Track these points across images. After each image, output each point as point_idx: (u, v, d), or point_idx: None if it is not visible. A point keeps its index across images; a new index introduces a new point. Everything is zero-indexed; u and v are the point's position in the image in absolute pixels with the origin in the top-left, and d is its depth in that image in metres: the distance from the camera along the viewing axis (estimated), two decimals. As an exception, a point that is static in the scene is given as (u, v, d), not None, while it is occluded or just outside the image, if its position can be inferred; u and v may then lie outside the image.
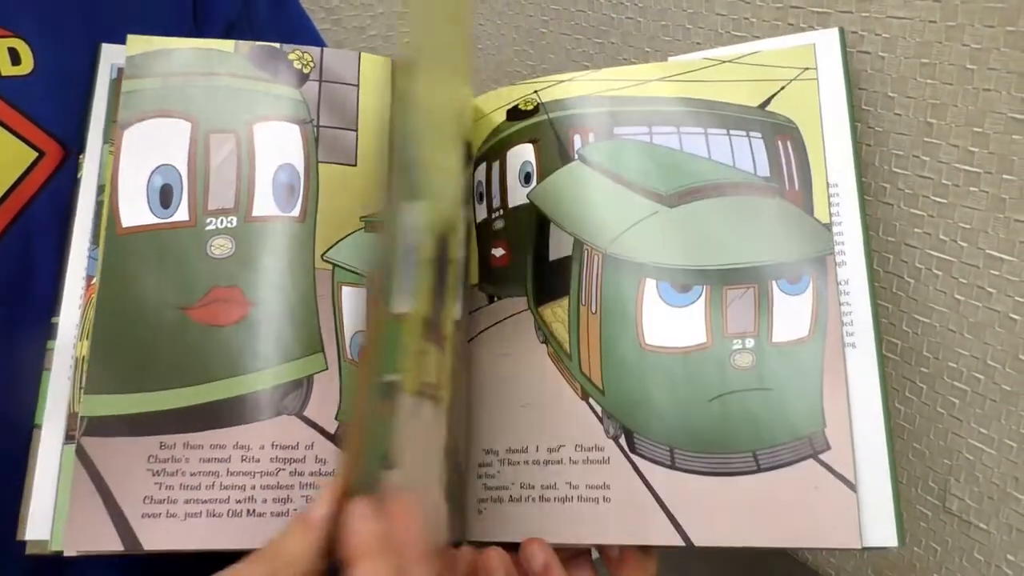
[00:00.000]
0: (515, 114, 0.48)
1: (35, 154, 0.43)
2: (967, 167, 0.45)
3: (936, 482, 0.52)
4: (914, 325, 0.50)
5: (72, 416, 0.41)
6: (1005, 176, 0.44)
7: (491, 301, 0.47)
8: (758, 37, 0.52)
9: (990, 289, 0.46)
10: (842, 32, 0.44)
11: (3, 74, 0.42)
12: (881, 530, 0.39)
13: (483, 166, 0.49)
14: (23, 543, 0.40)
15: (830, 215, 0.43)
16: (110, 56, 0.46)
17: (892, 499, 0.40)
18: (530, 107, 0.48)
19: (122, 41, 0.46)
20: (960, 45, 0.43)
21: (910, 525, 0.54)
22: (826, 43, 0.44)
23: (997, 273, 0.45)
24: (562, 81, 0.48)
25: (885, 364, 0.42)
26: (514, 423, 0.44)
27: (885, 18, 0.46)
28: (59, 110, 0.44)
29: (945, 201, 0.47)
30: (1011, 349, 0.46)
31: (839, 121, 0.44)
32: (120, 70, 0.46)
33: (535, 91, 0.48)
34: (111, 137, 0.45)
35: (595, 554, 0.45)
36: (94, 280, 0.43)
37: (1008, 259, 0.45)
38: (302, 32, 0.58)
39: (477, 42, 0.81)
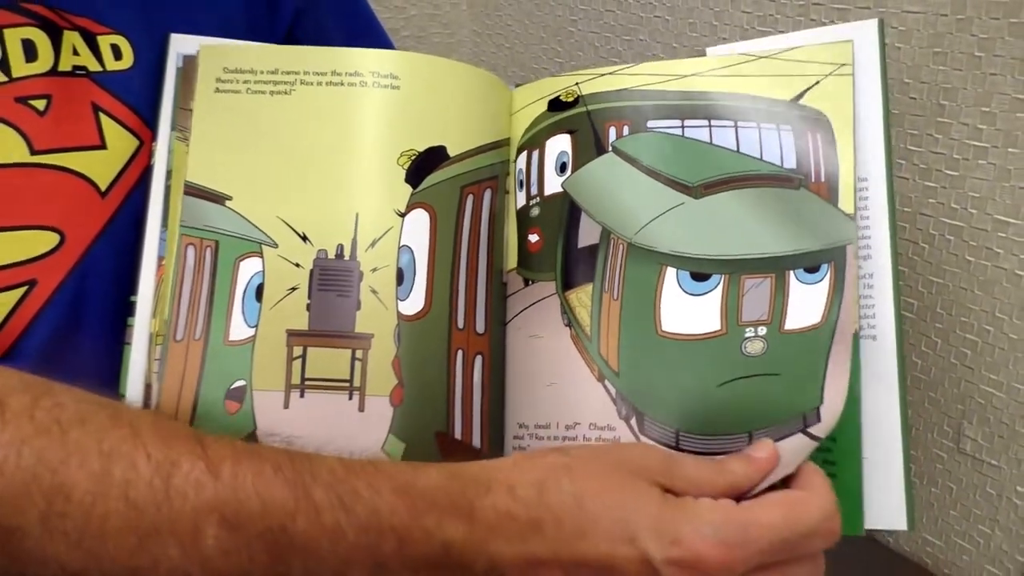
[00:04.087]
0: (556, 105, 0.50)
1: (137, 142, 0.47)
2: (976, 142, 0.51)
3: (951, 426, 0.58)
4: (929, 285, 0.56)
5: (147, 388, 0.45)
6: (1011, 149, 0.50)
7: (526, 284, 0.49)
8: (783, 31, 0.58)
9: (998, 249, 0.52)
10: (881, 24, 0.45)
11: (108, 69, 0.46)
12: (889, 513, 0.41)
13: (524, 155, 0.51)
14: None
15: (855, 207, 0.43)
16: (177, 45, 0.49)
17: (903, 485, 0.41)
18: (571, 99, 0.50)
19: (201, 30, 0.49)
20: (969, 35, 0.49)
21: (927, 468, 0.61)
22: (864, 37, 0.45)
23: (1004, 235, 0.51)
24: (603, 74, 0.50)
25: (905, 355, 0.43)
26: (541, 401, 0.47)
27: (901, 12, 0.52)
28: (154, 101, 0.48)
29: (956, 173, 0.53)
30: (1018, 302, 0.52)
31: (873, 115, 0.44)
32: (187, 58, 0.48)
33: (576, 83, 0.50)
34: (179, 124, 0.48)
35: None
36: (163, 261, 0.46)
37: (1014, 222, 0.51)
38: (366, 24, 0.61)
39: (505, 41, 0.86)
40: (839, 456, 0.41)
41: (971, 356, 0.55)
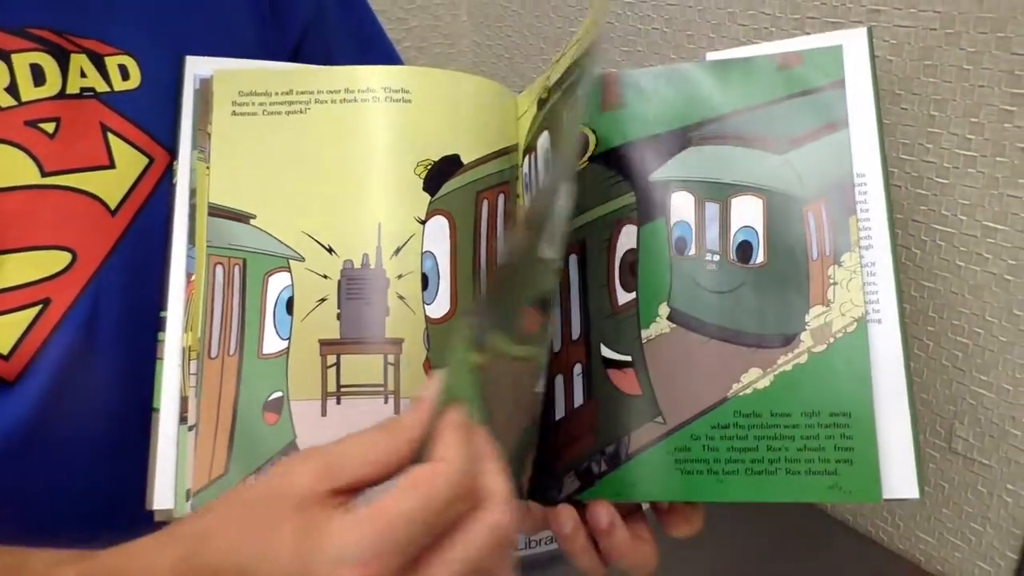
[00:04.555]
0: (540, 104, 0.51)
1: (146, 160, 0.48)
2: (965, 152, 0.53)
3: (943, 427, 0.60)
4: (921, 290, 0.58)
5: (183, 400, 0.47)
6: (998, 158, 0.52)
7: None
8: (778, 44, 0.60)
9: (987, 255, 0.54)
10: (870, 32, 0.46)
11: (116, 89, 0.47)
12: (901, 484, 0.43)
13: (527, 158, 0.52)
14: (151, 512, 0.45)
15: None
16: (193, 67, 0.50)
17: (913, 457, 0.44)
18: (546, 95, 0.50)
19: (214, 50, 0.50)
20: (958, 49, 0.51)
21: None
22: (854, 43, 0.46)
23: (992, 241, 0.53)
24: (559, 59, 0.49)
25: (908, 336, 0.45)
26: None
27: (892, 27, 0.54)
28: (164, 119, 0.49)
29: (946, 181, 0.55)
30: (1006, 306, 0.54)
31: (867, 116, 0.46)
32: (203, 80, 0.50)
33: (547, 76, 0.50)
34: (199, 143, 0.49)
35: (645, 506, 0.51)
36: (193, 277, 0.48)
37: (1002, 228, 0.53)
38: (372, 36, 0.63)
39: (504, 52, 0.88)
40: (854, 431, 0.43)
41: (962, 358, 0.57)
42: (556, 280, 0.45)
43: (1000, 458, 0.57)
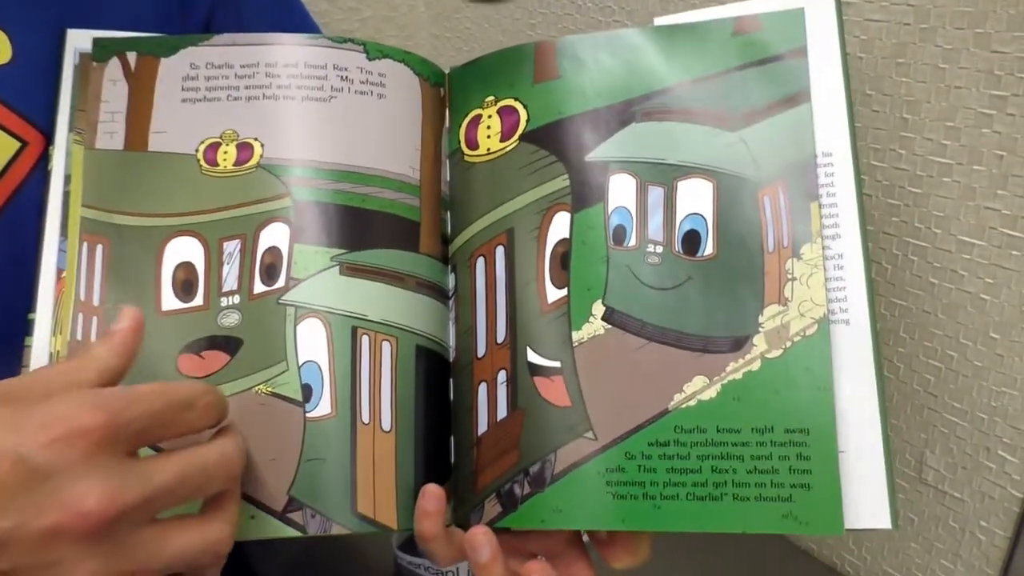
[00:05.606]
0: None
1: (18, 144, 0.43)
2: (940, 159, 0.49)
3: (913, 455, 0.56)
4: (891, 308, 0.54)
5: None
6: (975, 167, 0.47)
7: None
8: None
9: (962, 272, 0.49)
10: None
11: None
12: (870, 512, 0.38)
13: None
14: None
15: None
16: (74, 41, 0.45)
17: (885, 480, 0.38)
18: None
19: (102, 25, 0.45)
20: (933, 46, 0.47)
21: (889, 497, 0.58)
22: (819, 6, 0.41)
23: (968, 257, 0.49)
24: None
25: (880, 341, 0.41)
26: None
27: (863, 21, 0.49)
28: (39, 99, 0.44)
29: (919, 191, 0.50)
30: (982, 327, 0.49)
31: (833, 89, 0.41)
32: (83, 55, 0.45)
33: None
34: (77, 125, 0.44)
35: (585, 538, 0.46)
36: (64, 274, 0.42)
37: (979, 244, 0.48)
38: (288, 9, 0.57)
39: (464, 44, 0.83)
40: (813, 451, 0.38)
41: (934, 383, 0.53)
42: (224, 319, 0.42)
43: (973, 492, 0.53)
